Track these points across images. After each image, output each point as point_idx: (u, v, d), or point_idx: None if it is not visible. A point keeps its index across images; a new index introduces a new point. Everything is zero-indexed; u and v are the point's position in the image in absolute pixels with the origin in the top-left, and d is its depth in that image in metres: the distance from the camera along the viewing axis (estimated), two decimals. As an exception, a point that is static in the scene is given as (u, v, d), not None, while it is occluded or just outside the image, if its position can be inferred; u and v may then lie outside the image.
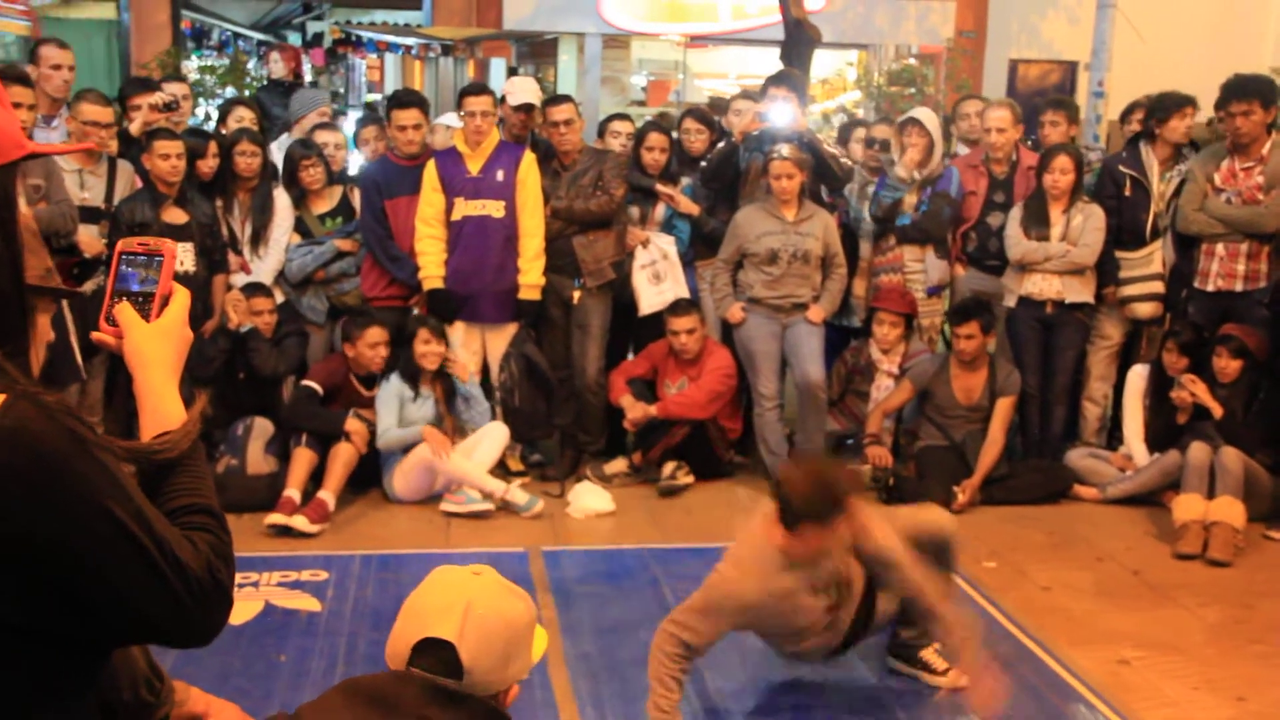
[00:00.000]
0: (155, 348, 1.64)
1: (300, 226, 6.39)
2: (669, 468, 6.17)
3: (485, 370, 6.33)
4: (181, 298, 1.70)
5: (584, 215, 6.20)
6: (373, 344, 5.83)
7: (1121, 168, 6.42)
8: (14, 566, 1.29)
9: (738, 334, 6.27)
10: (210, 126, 7.67)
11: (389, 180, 6.25)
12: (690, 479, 6.19)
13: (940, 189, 6.41)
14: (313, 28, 17.54)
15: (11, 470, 1.27)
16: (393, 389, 5.81)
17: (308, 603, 4.65)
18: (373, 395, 5.91)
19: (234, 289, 6.09)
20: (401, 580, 4.73)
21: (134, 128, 6.37)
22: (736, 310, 6.22)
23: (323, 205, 6.48)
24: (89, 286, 5.56)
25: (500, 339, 6.24)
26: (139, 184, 5.96)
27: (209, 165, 6.17)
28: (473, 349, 6.27)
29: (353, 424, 5.72)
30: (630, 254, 6.39)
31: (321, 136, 6.75)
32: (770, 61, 10.04)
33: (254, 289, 6.05)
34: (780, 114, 6.32)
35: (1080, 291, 6.30)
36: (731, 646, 4.01)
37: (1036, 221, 6.27)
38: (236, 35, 17.21)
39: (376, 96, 15.40)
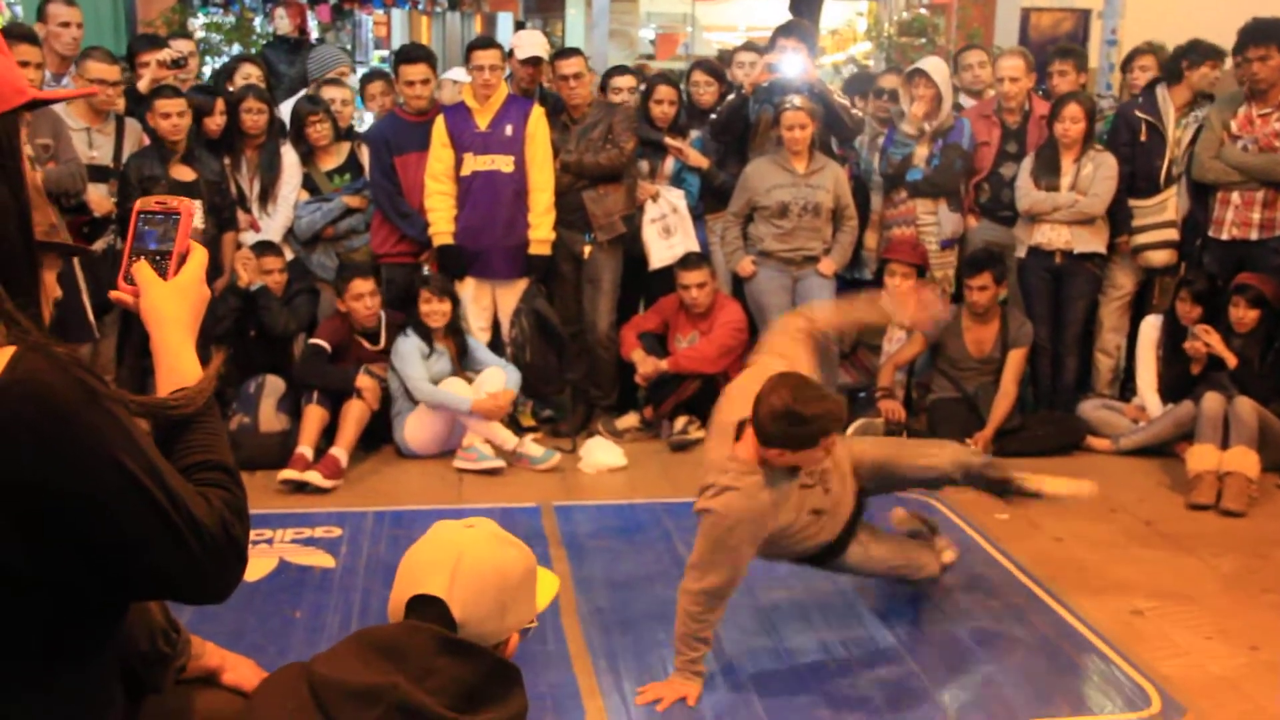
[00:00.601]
0: (172, 305, 1.65)
1: (308, 183, 6.37)
2: (680, 422, 6.17)
3: (496, 326, 6.32)
4: (199, 256, 1.71)
5: (594, 169, 6.17)
6: (358, 295, 5.82)
7: (1137, 113, 6.35)
8: (27, 518, 1.29)
9: (748, 287, 6.25)
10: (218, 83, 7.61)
11: (398, 136, 6.22)
12: (702, 433, 6.16)
13: (952, 141, 6.36)
14: (319, -17, 17.40)
15: (22, 420, 1.27)
16: (412, 344, 5.81)
17: (322, 559, 4.67)
18: (378, 350, 5.90)
19: (244, 247, 6.08)
20: (414, 536, 4.65)
21: (142, 85, 6.34)
22: (747, 264, 6.19)
23: (331, 162, 6.45)
24: (99, 245, 5.56)
25: (511, 295, 6.22)
26: (147, 142, 5.94)
27: (216, 123, 6.14)
28: (483, 305, 6.26)
29: (364, 380, 5.72)
30: (640, 208, 6.36)
31: (329, 92, 6.71)
32: (779, 13, 9.94)
33: (264, 247, 6.04)
34: (791, 65, 6.27)
35: (1090, 241, 6.26)
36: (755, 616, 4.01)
37: (1047, 171, 6.23)
38: (242, -8, 17.10)
39: (384, 52, 15.29)
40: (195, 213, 1.75)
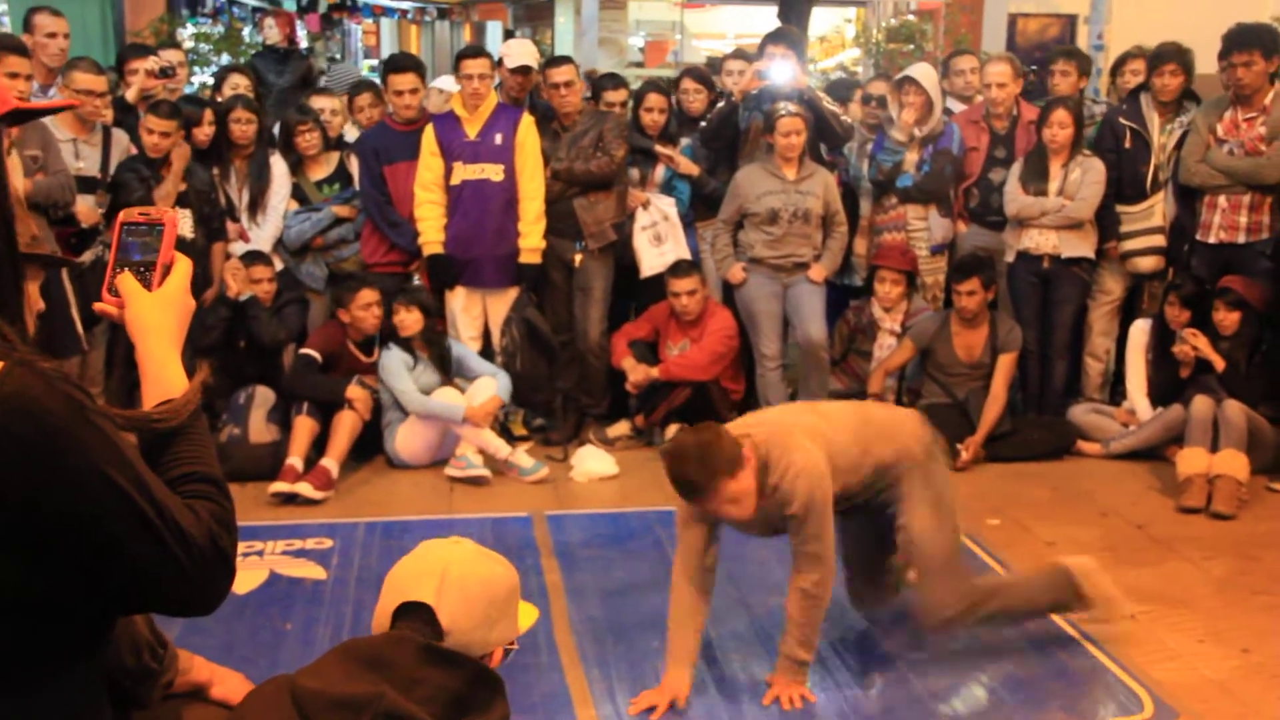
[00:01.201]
0: (157, 316, 1.64)
1: (297, 193, 6.37)
2: (672, 429, 6.16)
3: (487, 335, 6.32)
4: (183, 266, 1.70)
5: (584, 177, 6.17)
6: (365, 305, 5.82)
7: (1122, 119, 6.38)
8: (14, 532, 1.29)
9: (739, 294, 6.25)
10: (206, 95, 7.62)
11: (387, 146, 6.22)
12: (693, 441, 6.18)
13: (942, 146, 6.37)
14: (308, -7, 17.43)
15: (9, 436, 1.27)
16: (396, 357, 5.80)
17: (313, 571, 4.66)
18: (371, 361, 5.90)
19: (233, 257, 6.07)
20: (406, 547, 4.65)
21: (130, 95, 6.34)
22: (738, 270, 6.20)
23: (320, 171, 6.45)
24: (87, 257, 5.55)
25: (501, 303, 6.22)
26: (134, 152, 5.93)
27: (205, 133, 6.14)
28: (474, 314, 6.26)
29: (354, 391, 5.71)
30: (631, 216, 6.36)
31: (318, 102, 6.72)
32: (768, 20, 9.97)
33: (253, 257, 6.04)
34: (781, 72, 6.28)
35: (1078, 246, 6.27)
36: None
37: (1035, 176, 6.24)
38: (231, 2, 17.10)
39: (373, 61, 15.30)
40: (179, 223, 1.75)
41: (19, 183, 5.18)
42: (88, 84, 5.72)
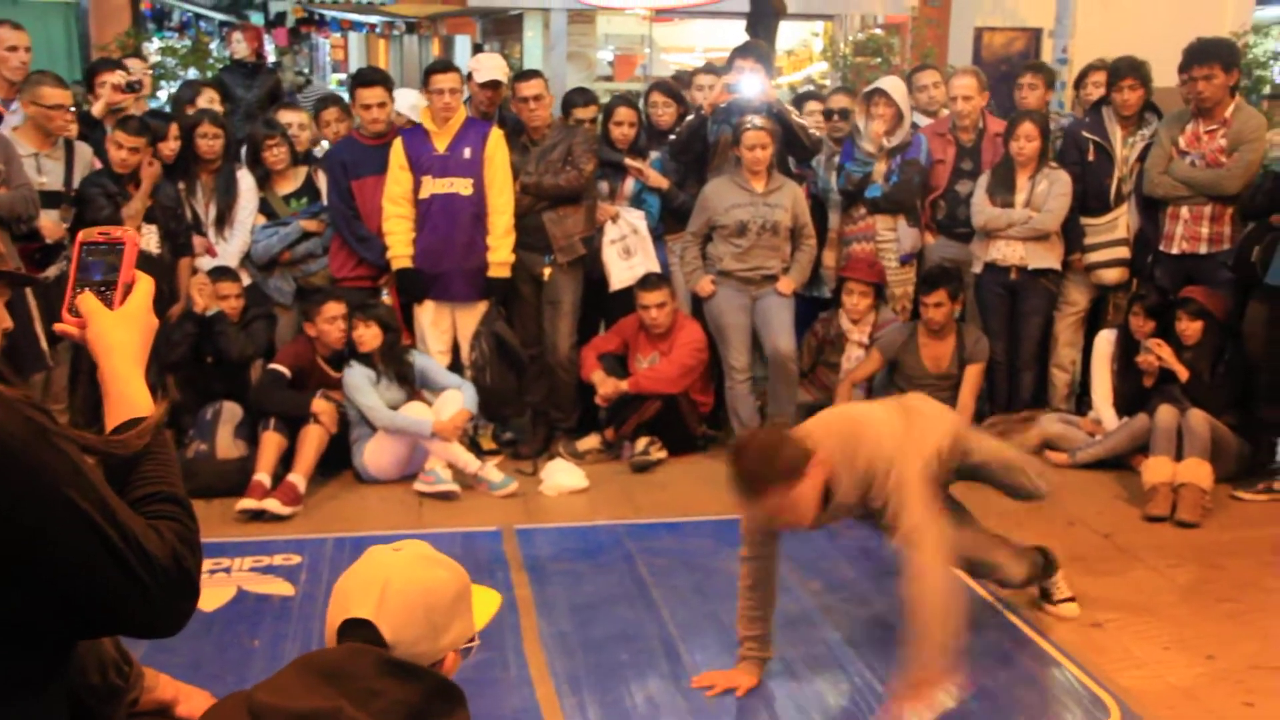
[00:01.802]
0: (119, 335, 1.64)
1: (265, 208, 6.35)
2: (641, 443, 6.17)
3: (456, 349, 6.31)
4: (145, 285, 1.70)
5: (553, 191, 6.17)
6: (331, 318, 5.80)
7: (1085, 133, 6.44)
8: None
9: (708, 307, 6.27)
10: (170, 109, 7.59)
11: (355, 160, 6.20)
12: (663, 454, 6.19)
13: (910, 157, 6.42)
14: (275, 7, 17.40)
15: None
16: (360, 373, 5.78)
17: (281, 587, 4.63)
18: (341, 377, 5.88)
19: (199, 273, 6.04)
20: (375, 561, 4.71)
21: (97, 109, 6.30)
22: (706, 283, 6.22)
23: (287, 186, 6.43)
24: (51, 272, 5.51)
25: (470, 317, 6.21)
26: (98, 166, 5.90)
27: (171, 148, 6.11)
28: (442, 328, 6.25)
29: (319, 405, 5.69)
30: (600, 229, 6.37)
31: (285, 116, 6.70)
32: (736, 34, 10.02)
33: (220, 273, 6.01)
34: (749, 85, 6.31)
35: (1045, 257, 6.32)
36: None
37: (1002, 188, 6.29)
38: (198, 16, 17.07)
39: (342, 75, 15.28)
40: (140, 242, 1.75)
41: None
42: (55, 98, 5.68)
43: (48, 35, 12.06)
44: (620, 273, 6.37)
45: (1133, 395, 6.12)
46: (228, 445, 5.71)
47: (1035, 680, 3.94)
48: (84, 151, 5.91)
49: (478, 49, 14.44)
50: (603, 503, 5.69)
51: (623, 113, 6.51)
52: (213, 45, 13.74)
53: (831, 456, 3.50)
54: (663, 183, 6.45)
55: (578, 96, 6.80)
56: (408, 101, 6.69)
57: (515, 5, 15.28)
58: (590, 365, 6.24)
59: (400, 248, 6.09)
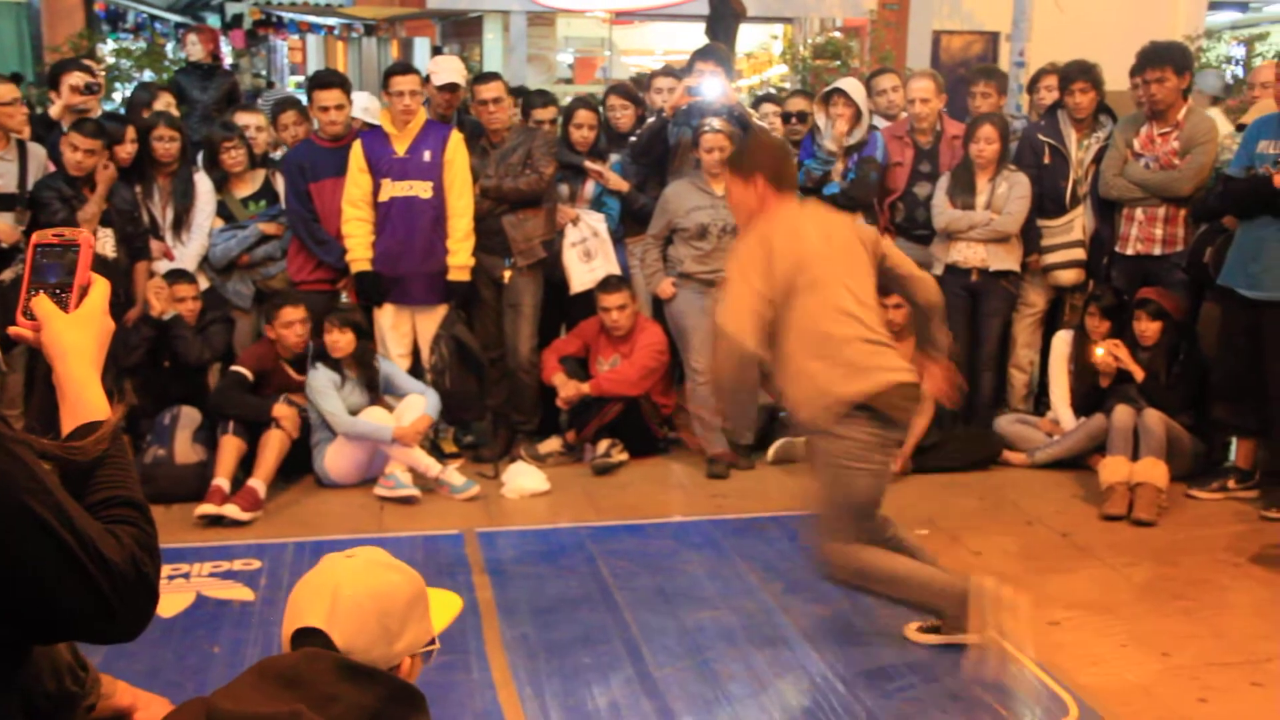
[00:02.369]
0: (74, 338, 1.63)
1: (223, 210, 6.30)
2: (603, 445, 6.17)
3: (416, 352, 6.29)
4: (100, 287, 1.69)
5: (513, 194, 6.17)
6: (288, 323, 5.77)
7: (1040, 136, 6.50)
8: None
9: (669, 309, 6.28)
10: (125, 111, 7.52)
11: (314, 162, 6.17)
12: (625, 456, 6.20)
13: (867, 154, 6.45)
14: (232, 9, 17.26)
15: None
16: (324, 376, 5.75)
17: (240, 592, 4.60)
18: (304, 379, 5.85)
19: (156, 276, 5.99)
20: (336, 566, 4.68)
21: (55, 110, 6.24)
22: (667, 285, 6.23)
23: (245, 189, 6.39)
24: (6, 275, 5.46)
25: (430, 321, 6.19)
26: (52, 168, 5.83)
27: (127, 151, 6.05)
28: (402, 331, 6.22)
29: (281, 409, 5.66)
30: (560, 232, 6.37)
31: (243, 119, 6.66)
32: (696, 37, 10.05)
33: (176, 275, 5.96)
34: (710, 88, 6.32)
35: (1005, 259, 6.37)
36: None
37: (963, 190, 6.34)
38: (153, 18, 16.90)
39: (300, 78, 15.19)
40: (95, 244, 1.73)
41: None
42: (6, 94, 5.61)
43: (-1, 34, 11.94)
44: (581, 275, 6.37)
45: (1089, 395, 6.19)
46: (186, 450, 5.66)
47: (996, 679, 3.97)
48: (38, 153, 5.85)
49: (437, 51, 14.39)
50: (564, 505, 5.69)
51: (582, 115, 6.51)
52: (168, 47, 13.61)
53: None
54: (623, 185, 6.46)
55: (536, 98, 6.79)
56: (360, 105, 6.66)
57: (475, 7, 15.25)
58: (551, 368, 6.24)
59: (359, 250, 6.06)
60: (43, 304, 1.64)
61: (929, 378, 4.22)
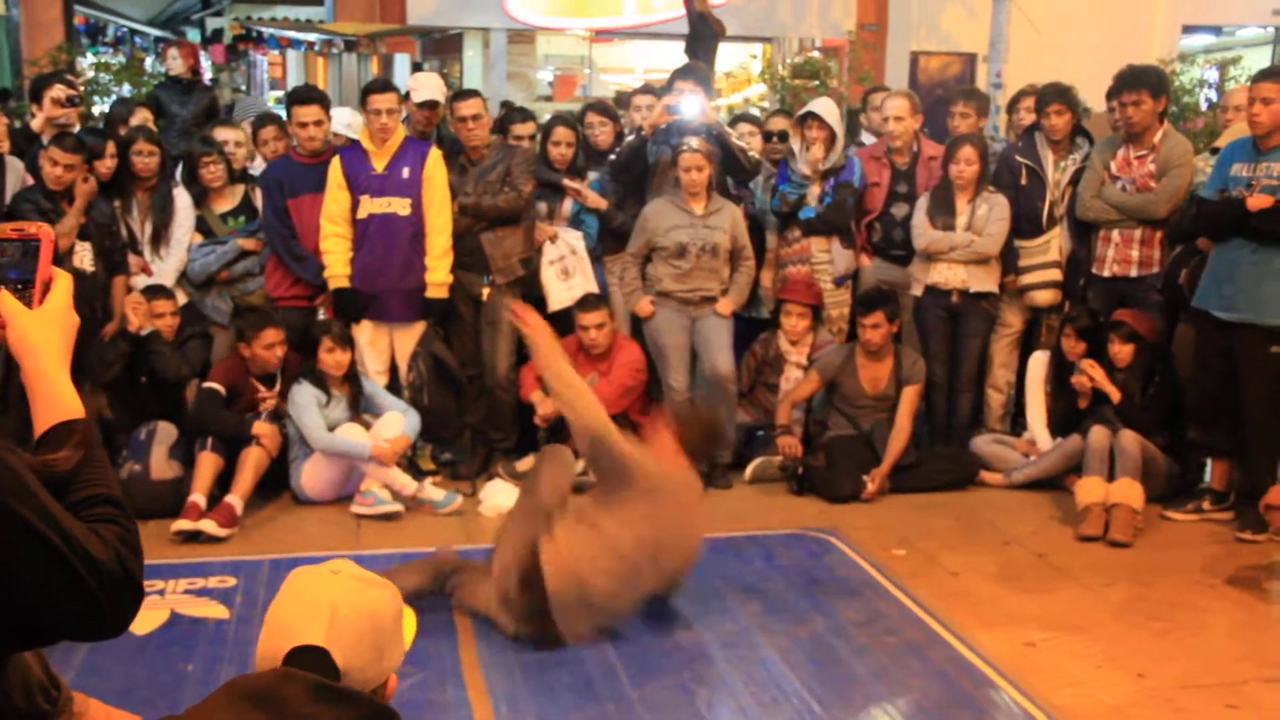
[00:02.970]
0: (41, 335, 1.61)
1: (201, 225, 6.29)
2: (580, 463, 6.15)
3: (394, 369, 6.27)
4: (64, 282, 1.66)
5: (492, 211, 6.17)
6: (269, 345, 5.75)
7: (1018, 157, 6.54)
8: None
9: (647, 328, 6.28)
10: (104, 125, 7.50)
11: (292, 178, 6.16)
12: (602, 473, 6.18)
13: (843, 179, 6.47)
14: (212, 24, 17.26)
15: None
16: (307, 393, 5.73)
17: (215, 610, 4.57)
18: (273, 394, 5.83)
19: (134, 291, 5.96)
20: (312, 584, 4.65)
21: (36, 123, 6.22)
22: (646, 304, 6.23)
23: (224, 204, 6.37)
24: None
25: (408, 338, 6.18)
26: (30, 181, 5.80)
27: (107, 165, 6.03)
28: (380, 348, 6.21)
29: (262, 427, 5.63)
30: (539, 250, 6.37)
31: (222, 134, 6.65)
32: (676, 55, 10.08)
33: (154, 291, 5.93)
34: (689, 107, 6.34)
35: (985, 281, 6.40)
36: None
37: (942, 211, 6.37)
38: (133, 32, 16.88)
39: (279, 93, 15.16)
40: (54, 238, 1.70)
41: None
42: None
43: (-23, 48, 11.89)
44: (559, 293, 6.38)
45: (1066, 416, 6.21)
46: (162, 466, 5.63)
47: (973, 700, 3.97)
48: (15, 166, 5.82)
49: (417, 68, 14.38)
50: (542, 523, 5.66)
51: (561, 133, 6.52)
52: (148, 61, 13.58)
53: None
54: (601, 203, 6.47)
55: (515, 114, 6.80)
56: (343, 120, 6.65)
57: (455, 25, 15.26)
58: (530, 385, 6.23)
59: (337, 267, 6.05)
60: (6, 301, 1.61)
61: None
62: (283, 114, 7.19)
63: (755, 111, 11.11)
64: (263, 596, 4.69)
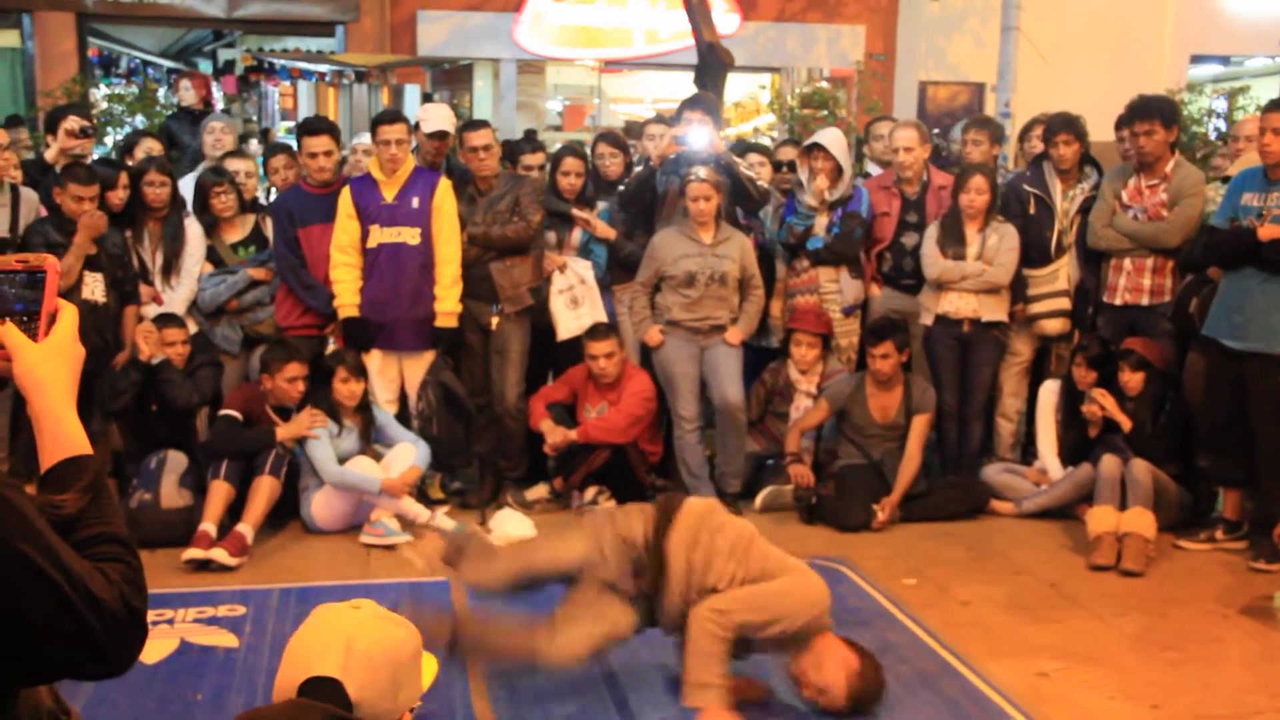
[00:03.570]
0: (47, 369, 1.59)
1: (212, 255, 6.31)
2: (590, 492, 6.16)
3: (403, 399, 6.28)
4: (70, 314, 1.65)
5: (501, 241, 6.19)
6: (291, 378, 5.76)
7: (1025, 186, 6.55)
8: None
9: (656, 357, 6.28)
10: (116, 156, 7.56)
11: (302, 208, 6.19)
12: (612, 503, 6.17)
13: (851, 209, 6.48)
14: (224, 55, 17.36)
15: None
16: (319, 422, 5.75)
17: (225, 639, 4.56)
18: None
19: (145, 320, 5.98)
20: (321, 613, 4.64)
21: (50, 154, 6.25)
22: (655, 333, 6.23)
23: (235, 234, 6.40)
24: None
25: (417, 367, 6.19)
26: (44, 212, 5.84)
27: (119, 197, 6.06)
28: (389, 377, 6.22)
29: (286, 431, 5.68)
30: (548, 279, 6.39)
31: (233, 164, 6.68)
32: (684, 85, 10.12)
33: (165, 320, 5.95)
34: (697, 137, 6.36)
35: (995, 310, 6.40)
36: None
37: (953, 240, 6.37)
38: (146, 63, 16.99)
39: (290, 124, 15.24)
40: (60, 270, 1.68)
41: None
42: None
43: (-8, 79, 11.99)
44: (568, 322, 6.38)
45: (1077, 445, 6.19)
46: (172, 494, 5.63)
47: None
48: (30, 198, 5.86)
49: (427, 98, 14.44)
50: (551, 553, 5.65)
51: (570, 163, 6.54)
52: (160, 92, 13.67)
53: None
54: (610, 233, 6.48)
55: (524, 144, 6.82)
56: (367, 146, 6.67)
57: (465, 56, 15.34)
58: (539, 414, 6.23)
59: (347, 296, 6.07)
60: (11, 333, 1.59)
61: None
62: (290, 144, 7.24)
63: (766, 140, 11.15)
64: (272, 625, 4.68)
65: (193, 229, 6.24)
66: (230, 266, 6.30)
